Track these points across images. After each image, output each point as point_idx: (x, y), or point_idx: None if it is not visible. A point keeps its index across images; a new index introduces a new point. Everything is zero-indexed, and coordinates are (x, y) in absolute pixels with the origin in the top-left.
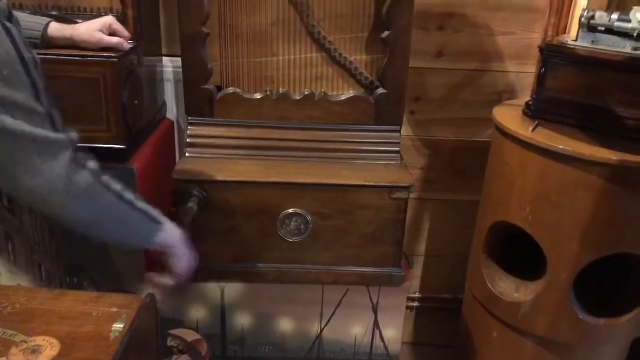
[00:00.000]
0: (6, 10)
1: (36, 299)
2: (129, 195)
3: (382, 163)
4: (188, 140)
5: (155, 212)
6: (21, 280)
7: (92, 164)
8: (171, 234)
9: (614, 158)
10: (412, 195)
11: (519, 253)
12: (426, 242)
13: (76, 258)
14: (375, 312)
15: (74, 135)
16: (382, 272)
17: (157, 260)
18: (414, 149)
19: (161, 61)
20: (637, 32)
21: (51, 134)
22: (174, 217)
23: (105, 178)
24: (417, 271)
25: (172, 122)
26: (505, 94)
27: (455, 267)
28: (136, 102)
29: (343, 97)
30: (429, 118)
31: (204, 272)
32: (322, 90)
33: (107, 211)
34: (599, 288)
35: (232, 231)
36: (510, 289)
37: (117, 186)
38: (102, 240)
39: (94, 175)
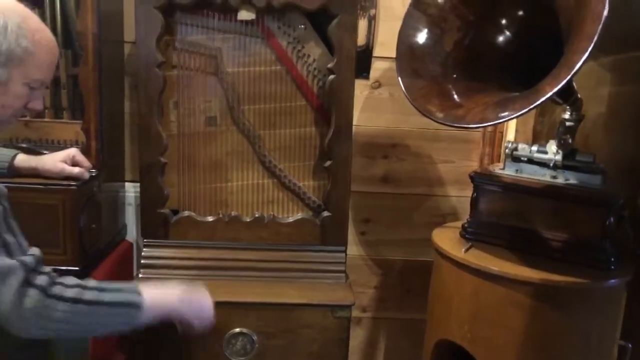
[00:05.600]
0: None
1: None
2: (90, 295)
3: (328, 282)
4: (142, 261)
5: (128, 296)
6: None
7: (41, 279)
8: (157, 306)
9: (537, 277)
10: (366, 315)
11: None
12: None
13: None
14: None
15: (28, 259)
16: None
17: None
18: (367, 268)
19: (123, 187)
20: (552, 162)
21: (3, 260)
22: None
23: (57, 288)
24: None
25: (131, 244)
26: (448, 216)
27: None
28: (93, 226)
29: (290, 219)
30: (379, 239)
31: None
32: (272, 212)
33: (64, 320)
34: None
35: (179, 353)
36: None
37: (71, 292)
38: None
39: (43, 290)
